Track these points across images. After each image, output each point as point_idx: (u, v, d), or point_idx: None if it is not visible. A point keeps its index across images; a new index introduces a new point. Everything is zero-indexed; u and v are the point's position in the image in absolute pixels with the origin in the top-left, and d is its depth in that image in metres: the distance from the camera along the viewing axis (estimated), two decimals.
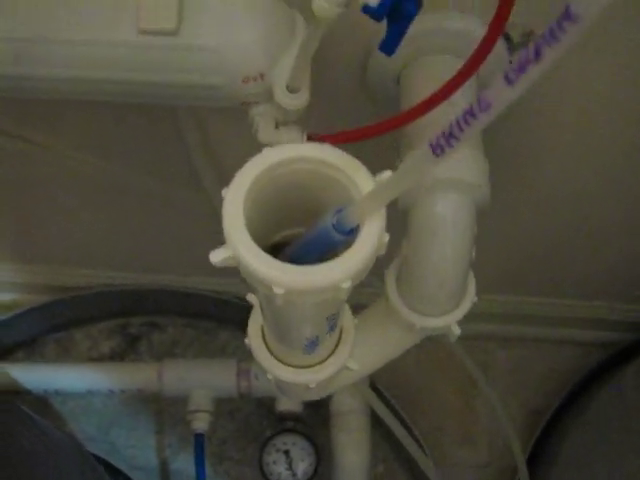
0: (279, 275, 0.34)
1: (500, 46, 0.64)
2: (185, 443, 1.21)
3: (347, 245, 0.36)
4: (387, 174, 0.38)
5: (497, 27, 0.51)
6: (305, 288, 0.34)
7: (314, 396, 0.66)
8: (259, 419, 1.23)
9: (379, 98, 0.68)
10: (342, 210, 0.35)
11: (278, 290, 0.34)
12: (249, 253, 0.35)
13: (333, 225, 0.35)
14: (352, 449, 1.06)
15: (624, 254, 1.10)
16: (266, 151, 0.38)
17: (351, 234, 0.35)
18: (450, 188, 0.57)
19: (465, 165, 0.57)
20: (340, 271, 0.34)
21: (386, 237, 0.36)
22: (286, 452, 1.11)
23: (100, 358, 1.28)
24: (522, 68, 0.24)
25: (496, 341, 1.32)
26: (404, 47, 0.62)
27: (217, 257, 0.36)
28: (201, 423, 1.06)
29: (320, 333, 0.46)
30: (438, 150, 0.29)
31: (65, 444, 0.84)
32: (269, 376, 0.55)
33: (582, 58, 0.66)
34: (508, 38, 0.64)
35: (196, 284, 1.24)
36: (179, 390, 1.07)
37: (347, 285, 0.35)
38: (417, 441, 1.14)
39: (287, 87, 0.50)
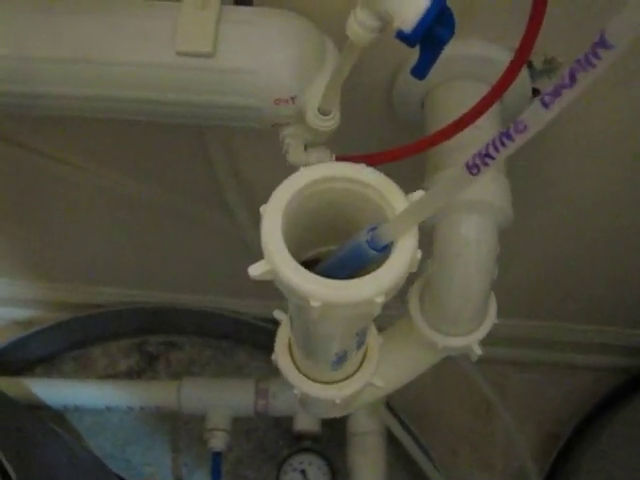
0: (317, 288, 0.35)
1: (523, 73, 0.65)
2: (201, 462, 1.21)
3: (378, 263, 0.37)
4: (420, 193, 0.39)
5: (522, 55, 0.52)
6: (341, 302, 0.36)
7: (338, 413, 0.67)
8: (275, 439, 1.23)
9: (404, 121, 0.70)
10: (376, 227, 0.37)
11: (315, 303, 0.36)
12: (288, 267, 0.36)
13: (367, 242, 0.37)
14: (368, 470, 1.07)
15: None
16: (303, 170, 0.39)
17: (384, 251, 0.37)
18: (474, 209, 0.58)
19: (488, 187, 0.58)
20: (375, 286, 0.35)
21: (419, 254, 0.37)
22: (302, 472, 1.11)
23: (117, 376, 1.29)
24: (557, 92, 0.25)
25: (511, 365, 1.32)
26: (430, 72, 0.64)
27: (256, 271, 0.37)
28: (219, 442, 1.07)
29: (348, 348, 0.48)
30: (474, 170, 0.30)
31: (88, 460, 0.85)
32: (296, 392, 0.56)
33: (605, 82, 0.68)
34: (530, 65, 0.66)
35: (214, 304, 1.25)
36: (197, 408, 1.08)
37: (381, 300, 0.36)
38: (433, 463, 1.14)
39: (319, 109, 0.52)
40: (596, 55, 0.23)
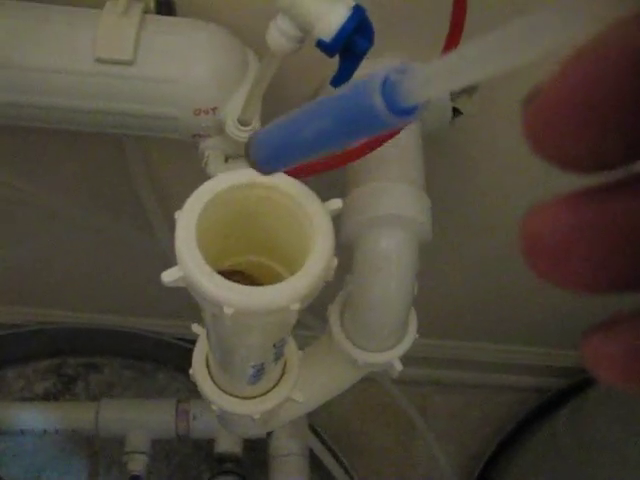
0: (229, 295, 0.35)
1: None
2: None
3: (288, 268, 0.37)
4: (337, 202, 0.39)
5: None
6: (255, 308, 0.35)
7: (258, 430, 0.66)
8: (196, 462, 1.21)
9: None
10: (392, 76, 0.20)
11: (228, 310, 0.35)
12: (201, 273, 0.35)
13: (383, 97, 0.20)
14: None
15: (558, 301, 1.13)
16: (220, 176, 0.39)
17: (408, 116, 0.20)
18: (393, 224, 0.58)
19: (408, 202, 0.58)
20: (290, 292, 0.35)
21: (334, 261, 0.37)
22: None
23: (33, 399, 1.24)
24: None
25: (433, 386, 1.33)
26: None
27: (169, 277, 0.36)
28: (137, 465, 1.04)
29: (266, 360, 0.47)
30: None
31: None
32: (213, 407, 0.55)
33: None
34: None
35: (135, 324, 1.22)
36: (116, 430, 1.05)
37: (296, 307, 0.35)
38: None
39: (238, 120, 0.52)
40: None
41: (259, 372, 0.48)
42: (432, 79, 0.19)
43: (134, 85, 0.52)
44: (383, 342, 0.63)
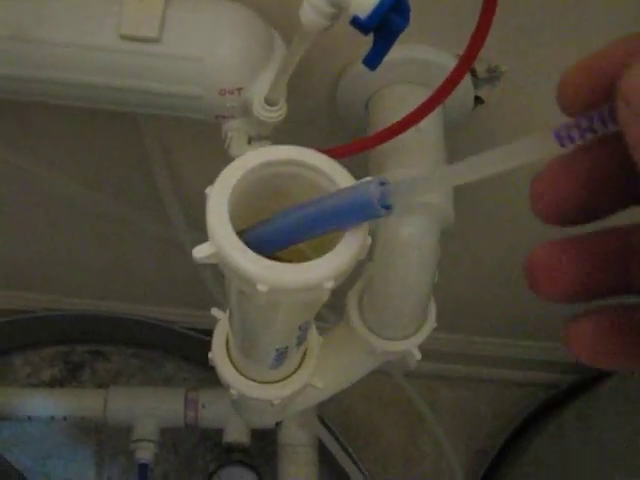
0: (264, 272, 0.34)
1: (466, 80, 0.66)
2: (126, 476, 1.17)
3: (311, 244, 0.36)
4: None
5: (467, 62, 0.53)
6: (290, 285, 0.34)
7: (273, 418, 0.65)
8: (203, 452, 1.20)
9: (348, 121, 0.69)
10: (386, 182, 0.31)
11: (262, 287, 0.34)
12: (234, 249, 0.35)
13: (379, 199, 0.31)
14: None
15: None
16: (252, 152, 0.38)
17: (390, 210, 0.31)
18: (415, 210, 0.57)
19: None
20: (325, 270, 0.34)
21: (369, 239, 0.36)
22: None
23: (40, 385, 1.24)
24: None
25: (442, 380, 1.33)
26: (375, 73, 0.64)
27: (201, 253, 0.35)
28: (145, 453, 1.03)
29: (290, 344, 0.46)
30: (566, 141, 0.23)
31: (9, 473, 0.81)
32: (232, 391, 0.54)
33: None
34: (474, 72, 0.66)
35: (144, 312, 1.21)
36: (124, 418, 1.04)
37: (330, 285, 0.35)
38: (364, 477, 1.13)
39: (266, 100, 0.51)
40: None
41: (281, 356, 0.48)
42: (418, 186, 0.30)
43: (159, 63, 0.51)
44: (402, 330, 0.63)
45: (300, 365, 0.54)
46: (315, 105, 0.69)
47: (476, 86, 0.68)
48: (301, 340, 0.47)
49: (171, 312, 1.21)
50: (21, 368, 1.26)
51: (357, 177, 0.39)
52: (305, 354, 0.54)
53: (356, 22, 0.39)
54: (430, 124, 0.62)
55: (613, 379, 1.11)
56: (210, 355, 0.54)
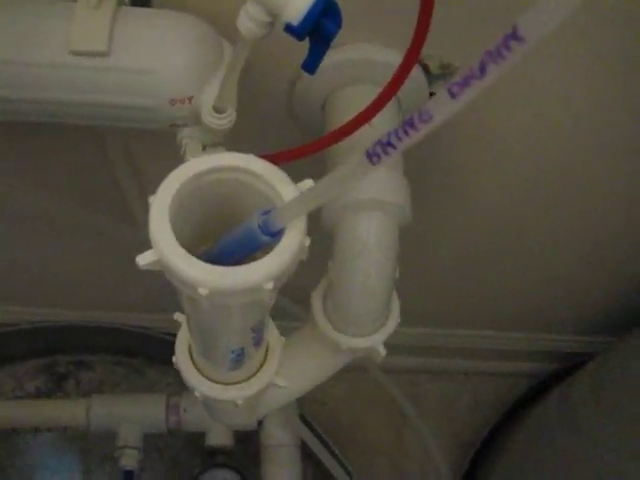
0: (204, 275, 0.35)
1: (419, 76, 0.67)
2: None
3: (266, 250, 0.37)
4: (309, 182, 0.39)
5: (411, 57, 0.54)
6: (229, 288, 0.35)
7: (245, 418, 0.66)
8: (189, 457, 1.21)
9: (305, 123, 0.71)
10: (269, 212, 0.37)
11: (203, 291, 0.35)
12: (175, 255, 0.36)
13: (259, 226, 0.37)
14: None
15: (545, 287, 1.14)
16: (192, 160, 0.39)
17: (276, 237, 0.37)
18: (372, 208, 0.59)
19: (387, 186, 0.59)
20: (263, 271, 0.36)
21: (307, 240, 0.37)
22: None
23: (25, 398, 1.25)
24: (466, 82, 0.24)
25: (425, 374, 1.34)
26: (329, 76, 0.65)
27: (144, 260, 0.36)
28: (130, 460, 1.04)
29: (246, 345, 0.47)
30: (375, 158, 0.29)
31: None
32: (196, 393, 0.55)
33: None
34: (427, 69, 0.67)
35: (124, 320, 1.22)
36: (108, 425, 1.05)
37: (269, 286, 0.36)
38: (349, 475, 1.14)
39: (214, 107, 0.52)
40: (507, 47, 0.23)
41: (240, 357, 0.49)
42: (285, 214, 0.36)
43: (109, 76, 0.52)
44: (365, 327, 0.64)
45: (262, 365, 0.55)
46: (272, 109, 0.71)
47: (430, 82, 0.69)
48: (258, 341, 0.48)
49: (150, 318, 1.21)
50: (5, 381, 1.27)
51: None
52: (267, 354, 0.55)
53: (289, 29, 0.41)
54: (384, 121, 0.63)
55: (591, 365, 1.13)
56: (174, 359, 0.56)
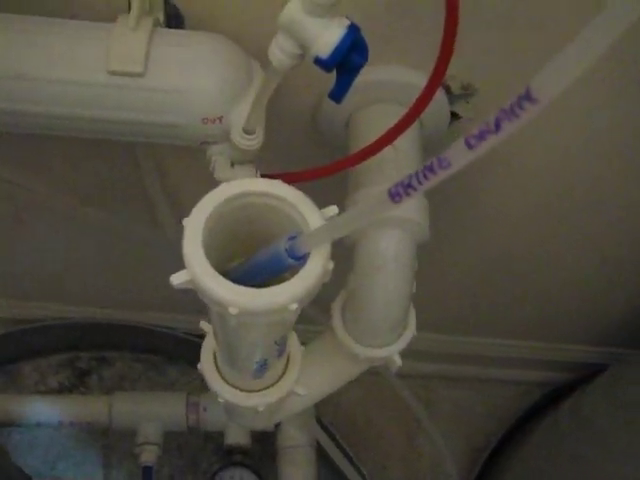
0: (235, 296, 0.38)
1: (441, 97, 0.69)
2: (132, 478, 1.21)
3: (292, 271, 0.40)
4: (333, 208, 0.42)
5: (436, 79, 0.56)
6: (257, 308, 0.38)
7: (264, 423, 0.69)
8: (207, 455, 1.24)
9: (329, 142, 0.73)
10: (295, 237, 0.39)
11: (233, 310, 0.38)
12: (207, 276, 0.38)
13: (286, 250, 0.39)
14: None
15: (560, 296, 1.15)
16: (224, 185, 0.42)
17: (301, 260, 0.39)
18: (392, 225, 0.61)
19: (408, 205, 0.61)
20: (289, 294, 0.38)
21: (331, 265, 0.40)
22: None
23: (48, 392, 1.28)
24: (482, 136, 0.27)
25: (439, 380, 1.36)
26: (353, 95, 0.67)
27: (178, 280, 0.39)
28: (149, 456, 1.07)
29: (269, 357, 0.50)
30: (397, 198, 0.31)
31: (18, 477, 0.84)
32: (220, 399, 0.58)
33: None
34: (448, 90, 0.70)
35: (148, 319, 1.25)
36: (129, 422, 1.08)
37: (294, 307, 0.38)
38: (363, 477, 1.17)
39: (243, 129, 0.54)
40: (520, 106, 0.25)
41: (263, 367, 0.51)
42: (311, 240, 0.39)
43: (144, 96, 0.55)
44: (383, 338, 0.66)
45: (283, 374, 0.58)
46: (298, 126, 0.73)
47: (451, 102, 0.71)
48: (280, 352, 0.51)
49: (174, 318, 1.24)
50: (29, 375, 1.30)
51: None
52: (288, 363, 0.58)
53: (319, 62, 0.43)
54: (406, 141, 0.65)
55: (605, 376, 1.14)
56: (199, 366, 0.58)
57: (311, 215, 0.40)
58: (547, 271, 1.07)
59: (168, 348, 1.29)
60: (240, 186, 0.42)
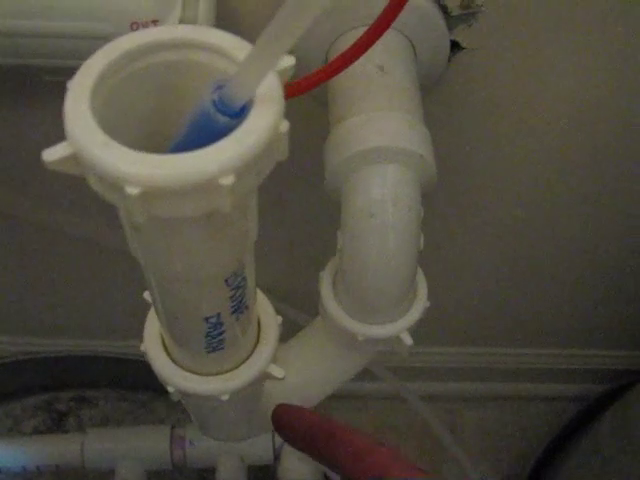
0: (132, 167, 0.24)
1: (437, 21, 0.57)
2: None
3: None
4: (290, 59, 0.29)
5: None
6: (169, 182, 0.24)
7: (242, 430, 0.55)
8: None
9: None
10: (225, 84, 0.26)
11: (132, 190, 0.24)
12: (93, 143, 0.25)
13: (214, 103, 0.26)
14: None
15: (587, 299, 1.03)
16: (129, 34, 0.29)
17: (241, 116, 0.26)
18: (386, 159, 0.48)
19: (402, 131, 0.48)
20: (218, 158, 0.24)
21: (285, 125, 0.26)
22: None
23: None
24: None
25: (462, 401, 1.22)
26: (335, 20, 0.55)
27: (52, 156, 0.26)
28: None
29: (222, 309, 0.36)
30: None
31: None
32: (170, 389, 0.44)
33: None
34: (445, 10, 0.57)
35: (130, 349, 1.12)
36: (104, 462, 0.93)
37: (228, 181, 0.25)
38: None
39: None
40: None
41: (217, 328, 0.37)
42: (245, 77, 0.25)
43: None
44: (385, 311, 0.52)
45: (252, 353, 0.44)
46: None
47: (450, 28, 0.58)
48: (237, 306, 0.37)
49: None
50: (2, 421, 1.16)
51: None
52: (258, 337, 0.44)
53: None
54: (396, 66, 0.53)
55: None
56: (142, 347, 0.45)
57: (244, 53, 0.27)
58: (580, 267, 0.95)
59: (154, 382, 1.15)
60: (150, 34, 0.29)
